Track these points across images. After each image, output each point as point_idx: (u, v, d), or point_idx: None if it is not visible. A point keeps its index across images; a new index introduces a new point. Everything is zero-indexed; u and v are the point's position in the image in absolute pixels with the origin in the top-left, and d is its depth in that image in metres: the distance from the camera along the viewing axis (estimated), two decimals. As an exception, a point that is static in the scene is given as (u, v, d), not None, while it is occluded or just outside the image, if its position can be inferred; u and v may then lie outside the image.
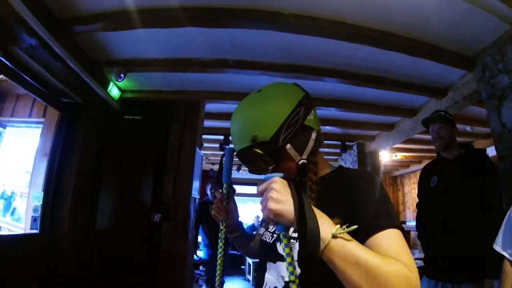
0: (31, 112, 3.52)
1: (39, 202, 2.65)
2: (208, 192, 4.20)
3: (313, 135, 0.82)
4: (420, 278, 0.85)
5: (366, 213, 0.69)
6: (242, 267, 6.70)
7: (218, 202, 0.96)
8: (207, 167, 7.30)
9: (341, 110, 3.53)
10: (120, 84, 2.90)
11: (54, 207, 2.70)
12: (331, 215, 0.65)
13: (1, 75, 2.30)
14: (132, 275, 2.76)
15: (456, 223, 1.84)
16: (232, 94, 3.10)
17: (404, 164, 7.51)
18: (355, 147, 5.24)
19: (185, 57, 2.47)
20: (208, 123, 3.75)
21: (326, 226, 0.60)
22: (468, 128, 4.33)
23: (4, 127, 3.81)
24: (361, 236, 0.64)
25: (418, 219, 2.18)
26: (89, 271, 2.78)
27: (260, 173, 0.80)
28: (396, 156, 6.32)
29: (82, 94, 2.75)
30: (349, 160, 5.49)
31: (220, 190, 0.96)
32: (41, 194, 2.66)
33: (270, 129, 0.76)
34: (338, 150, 5.10)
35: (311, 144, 0.81)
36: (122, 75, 2.59)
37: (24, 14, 1.73)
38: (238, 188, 8.44)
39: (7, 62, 2.19)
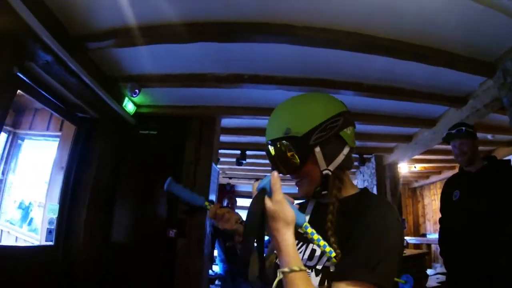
0: (48, 125, 3.59)
1: (54, 215, 2.67)
2: (225, 205, 4.15)
3: (345, 150, 0.79)
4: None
5: (354, 254, 0.64)
6: None
7: (215, 216, 0.98)
8: (224, 181, 7.31)
9: (359, 123, 3.44)
10: (135, 99, 2.91)
11: (70, 219, 2.72)
12: (340, 238, 0.66)
13: (19, 90, 2.34)
14: (146, 289, 2.74)
15: (480, 238, 1.76)
16: (247, 109, 3.06)
17: (424, 175, 7.28)
18: (373, 160, 5.11)
19: (200, 72, 2.46)
20: (224, 138, 3.73)
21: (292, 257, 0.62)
22: (489, 136, 4.15)
23: (23, 139, 3.90)
24: (335, 275, 0.64)
25: (441, 234, 2.11)
26: (104, 284, 2.77)
27: (283, 173, 0.80)
28: (415, 167, 6.14)
29: (98, 109, 2.78)
30: (367, 173, 5.35)
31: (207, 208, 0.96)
32: (56, 206, 2.68)
33: (306, 126, 0.75)
34: (356, 163, 4.98)
35: (341, 157, 0.79)
36: (136, 90, 2.60)
37: (40, 31, 1.76)
38: None
39: (24, 78, 2.23)
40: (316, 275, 0.70)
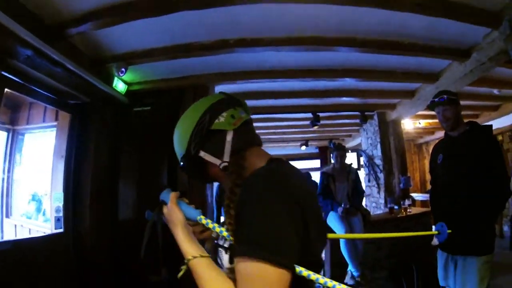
0: (44, 117, 3.59)
1: (60, 203, 2.71)
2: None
3: (228, 137, 0.82)
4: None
5: (237, 232, 0.67)
6: None
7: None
8: None
9: (358, 79, 3.34)
10: (125, 78, 2.87)
11: (75, 206, 2.77)
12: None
13: (6, 89, 2.32)
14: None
15: (463, 197, 1.89)
16: (239, 74, 3.00)
17: (429, 131, 7.19)
18: (375, 117, 5.02)
19: (184, 42, 2.40)
20: None
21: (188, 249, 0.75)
22: (495, 91, 4.03)
23: (23, 134, 3.92)
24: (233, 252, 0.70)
25: (430, 196, 2.29)
26: (116, 262, 2.86)
27: (204, 183, 0.96)
28: (419, 123, 6.06)
29: (88, 93, 2.75)
30: (370, 130, 5.29)
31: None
32: (61, 194, 2.71)
33: (183, 146, 0.84)
34: (358, 121, 4.91)
35: (228, 145, 0.81)
36: (123, 69, 2.56)
37: (14, 27, 1.72)
38: None
39: (9, 76, 2.21)
40: (226, 253, 0.78)
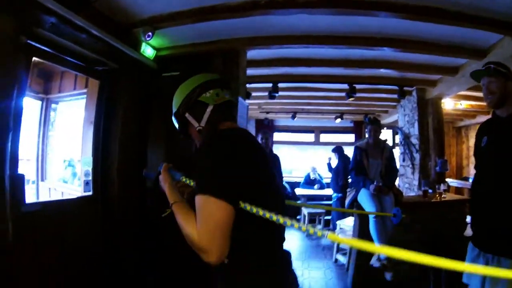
0: (75, 85, 3.67)
1: (89, 167, 2.77)
2: (260, 142, 4.09)
3: (209, 109, 1.10)
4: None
5: (195, 178, 1.01)
6: (298, 217, 6.14)
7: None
8: (261, 116, 7.32)
9: (396, 50, 3.07)
10: (153, 43, 2.82)
11: (104, 170, 2.83)
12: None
13: (34, 58, 2.34)
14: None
15: (505, 188, 1.58)
16: (271, 38, 2.83)
17: (470, 114, 6.68)
18: (414, 93, 4.70)
19: (210, 4, 2.27)
20: (255, 71, 3.54)
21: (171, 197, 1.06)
22: None
23: (56, 103, 4.05)
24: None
25: (472, 182, 1.94)
26: (144, 226, 2.92)
27: (185, 138, 1.23)
28: (461, 104, 5.64)
29: (116, 59, 2.73)
30: (408, 107, 4.98)
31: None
32: (90, 159, 2.76)
33: (177, 104, 1.15)
34: (396, 96, 4.55)
35: (206, 115, 1.09)
36: (150, 33, 2.50)
37: None
38: (294, 136, 8.16)
39: (36, 44, 2.22)
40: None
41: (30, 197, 3.58)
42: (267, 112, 7.01)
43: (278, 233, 1.03)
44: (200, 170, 0.95)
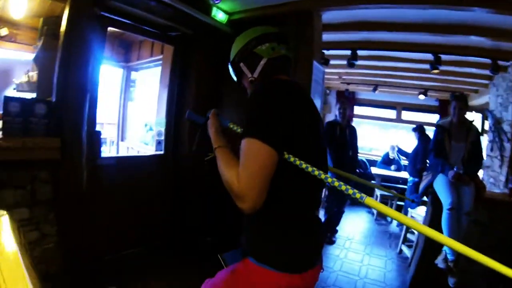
0: (152, 52, 3.92)
1: (162, 128, 2.95)
2: (337, 112, 3.78)
3: (263, 61, 1.10)
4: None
5: (244, 124, 0.94)
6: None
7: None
8: (342, 87, 6.83)
9: (490, 11, 2.55)
10: (224, 7, 2.81)
11: (176, 131, 3.01)
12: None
13: (110, 28, 2.57)
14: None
15: None
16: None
17: None
18: (510, 69, 3.94)
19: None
20: (332, 35, 3.32)
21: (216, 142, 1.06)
22: None
23: (136, 70, 4.39)
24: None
25: None
26: (210, 185, 3.04)
27: (238, 86, 1.22)
28: None
29: (187, 24, 2.80)
30: (502, 87, 4.14)
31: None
32: (163, 120, 2.94)
33: (233, 53, 1.16)
34: (488, 72, 3.74)
35: (259, 67, 1.10)
36: (219, -4, 2.48)
37: None
38: (375, 112, 7.44)
39: (111, 15, 2.43)
40: None
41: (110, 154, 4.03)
42: (348, 83, 6.48)
43: (315, 193, 1.05)
44: (249, 115, 0.92)
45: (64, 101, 1.91)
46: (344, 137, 3.64)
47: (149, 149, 3.57)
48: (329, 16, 2.84)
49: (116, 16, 2.49)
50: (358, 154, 3.98)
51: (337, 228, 3.87)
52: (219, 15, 2.83)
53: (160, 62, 3.42)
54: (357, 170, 5.19)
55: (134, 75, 4.43)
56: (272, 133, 0.87)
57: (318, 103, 2.70)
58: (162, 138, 2.99)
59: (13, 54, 3.45)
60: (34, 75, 3.11)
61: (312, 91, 2.54)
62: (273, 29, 1.16)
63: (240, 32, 1.16)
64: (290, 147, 0.89)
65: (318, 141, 1.05)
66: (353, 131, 3.77)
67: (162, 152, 2.96)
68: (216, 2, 2.51)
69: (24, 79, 3.25)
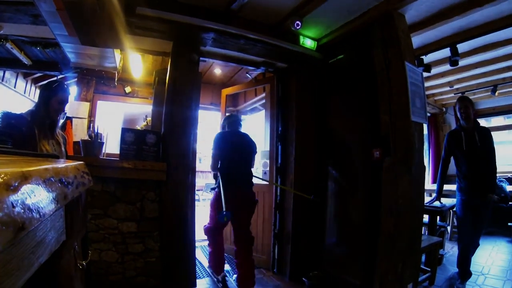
0: (255, 94, 4.23)
1: (267, 159, 3.03)
2: (458, 115, 2.83)
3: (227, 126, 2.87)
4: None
5: None
6: (509, 223, 4.31)
7: None
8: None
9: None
10: (311, 33, 2.87)
11: (283, 158, 3.00)
12: None
13: (215, 70, 2.94)
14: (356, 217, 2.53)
15: None
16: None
17: None
18: None
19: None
20: (425, 36, 2.83)
21: None
22: None
23: (245, 114, 4.80)
24: None
25: None
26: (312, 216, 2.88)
27: None
28: None
29: (280, 57, 2.93)
30: None
31: None
32: (267, 152, 3.11)
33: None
34: None
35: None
36: (298, 22, 2.56)
37: (194, 20, 2.33)
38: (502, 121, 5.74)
39: (205, 59, 2.81)
40: None
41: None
42: (463, 93, 5.01)
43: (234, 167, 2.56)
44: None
45: (170, 133, 2.20)
46: (474, 144, 2.69)
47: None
48: (413, 13, 2.47)
49: (211, 59, 2.82)
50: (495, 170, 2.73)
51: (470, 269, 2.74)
52: (308, 42, 2.88)
53: (263, 101, 3.62)
54: (498, 195, 3.00)
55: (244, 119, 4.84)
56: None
57: (420, 110, 2.25)
58: (267, 168, 3.04)
59: (136, 107, 4.31)
60: (151, 120, 3.75)
61: (410, 95, 2.23)
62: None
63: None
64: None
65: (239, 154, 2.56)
66: (485, 135, 2.73)
67: (266, 183, 3.01)
68: (298, 27, 2.54)
69: (144, 124, 3.96)
